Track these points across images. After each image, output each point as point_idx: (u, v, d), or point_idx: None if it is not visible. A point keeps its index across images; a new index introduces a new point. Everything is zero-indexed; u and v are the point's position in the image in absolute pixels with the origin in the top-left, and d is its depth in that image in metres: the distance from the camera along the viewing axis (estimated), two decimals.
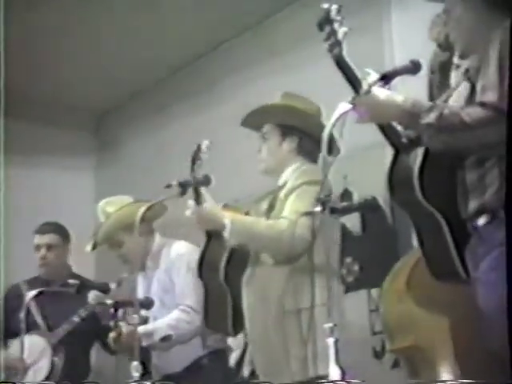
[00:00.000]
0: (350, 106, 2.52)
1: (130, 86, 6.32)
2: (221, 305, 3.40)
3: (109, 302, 3.73)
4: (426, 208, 2.44)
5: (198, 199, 3.32)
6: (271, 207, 3.45)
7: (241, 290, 3.39)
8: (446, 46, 2.67)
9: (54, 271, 4.89)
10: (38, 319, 4.72)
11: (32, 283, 4.81)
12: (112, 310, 3.69)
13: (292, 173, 3.47)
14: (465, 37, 2.52)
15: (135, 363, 3.36)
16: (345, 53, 2.46)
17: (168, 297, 4.09)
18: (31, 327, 4.59)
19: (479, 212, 2.39)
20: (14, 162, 5.88)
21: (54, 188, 6.44)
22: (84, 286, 4.24)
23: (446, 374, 3.05)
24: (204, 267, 3.47)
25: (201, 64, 5.92)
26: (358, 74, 2.48)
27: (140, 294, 4.09)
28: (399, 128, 2.53)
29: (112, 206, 4.24)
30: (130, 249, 4.14)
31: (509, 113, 2.19)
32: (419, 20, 4.52)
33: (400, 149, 2.53)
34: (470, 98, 2.42)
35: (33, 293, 4.10)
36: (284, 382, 3.17)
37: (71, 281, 4.21)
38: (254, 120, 3.61)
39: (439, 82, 2.57)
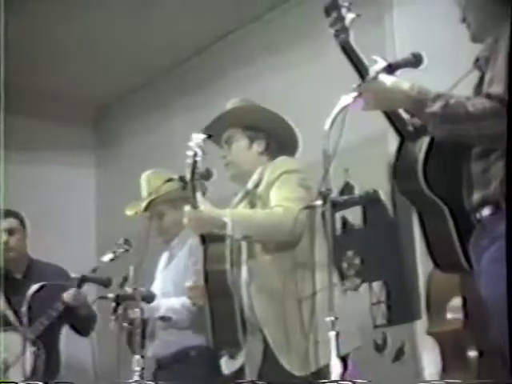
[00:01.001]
0: (351, 99, 2.52)
1: (131, 81, 6.31)
2: (228, 316, 3.35)
3: (110, 295, 3.74)
4: (430, 197, 2.44)
5: (194, 204, 3.28)
6: (252, 207, 3.44)
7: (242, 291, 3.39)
8: None
9: (16, 258, 4.74)
10: (9, 314, 4.60)
11: None
12: (113, 304, 3.70)
13: (261, 172, 3.47)
14: (479, 22, 2.52)
15: (137, 357, 3.37)
16: (352, 39, 2.44)
17: (180, 279, 4.09)
18: (4, 324, 4.53)
19: (483, 203, 2.38)
20: (14, 158, 5.88)
21: (54, 184, 6.43)
22: (85, 280, 4.23)
23: None
24: (209, 277, 3.40)
25: (203, 58, 5.92)
26: (365, 60, 2.46)
27: (161, 266, 4.23)
28: (405, 116, 2.52)
29: (159, 179, 4.20)
30: (169, 223, 4.16)
31: (509, 107, 2.19)
32: (421, 13, 4.54)
33: (406, 137, 2.52)
34: (479, 88, 2.42)
35: (35, 287, 4.09)
36: (302, 369, 3.18)
37: (73, 275, 4.21)
38: (217, 126, 3.58)
39: None
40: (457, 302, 3.46)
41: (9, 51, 4.93)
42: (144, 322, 3.85)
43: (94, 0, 5.23)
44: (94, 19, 5.45)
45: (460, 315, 3.44)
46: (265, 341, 3.34)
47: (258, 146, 3.56)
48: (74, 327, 4.72)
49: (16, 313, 4.55)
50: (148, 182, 4.22)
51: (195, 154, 3.24)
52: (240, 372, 3.52)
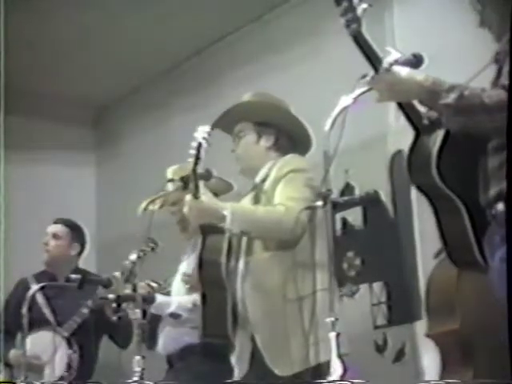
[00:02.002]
0: (351, 100, 2.51)
1: (131, 81, 6.31)
2: (220, 310, 3.35)
3: (111, 296, 3.73)
4: (444, 192, 2.39)
5: (196, 194, 3.27)
6: (257, 201, 3.43)
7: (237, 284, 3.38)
8: None
9: (57, 264, 4.90)
10: (47, 314, 4.73)
11: (39, 277, 4.85)
12: (115, 305, 3.70)
13: (270, 168, 3.45)
14: (501, 21, 2.49)
15: (137, 357, 3.37)
16: (364, 29, 2.41)
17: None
18: (40, 323, 4.62)
19: (498, 198, 2.35)
20: (15, 158, 5.87)
21: (54, 184, 6.43)
22: (86, 280, 4.23)
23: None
24: (203, 266, 3.42)
25: (202, 58, 5.92)
26: (378, 51, 2.43)
27: (187, 255, 4.17)
28: (421, 109, 2.49)
29: (184, 173, 4.17)
30: None
31: (509, 107, 2.18)
32: (422, 12, 4.54)
33: (421, 131, 2.49)
34: (497, 81, 2.40)
35: (36, 287, 4.11)
36: (286, 370, 3.18)
37: (73, 275, 4.22)
38: (228, 119, 3.57)
39: None
40: (456, 303, 3.43)
41: (9, 51, 4.93)
42: (154, 325, 3.87)
43: (95, 2, 5.23)
44: (93, 19, 5.45)
45: (458, 316, 3.41)
46: (253, 338, 3.33)
47: (266, 142, 3.53)
48: (112, 338, 4.81)
49: (54, 313, 4.73)
50: (174, 175, 4.20)
51: (199, 144, 3.24)
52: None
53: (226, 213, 3.24)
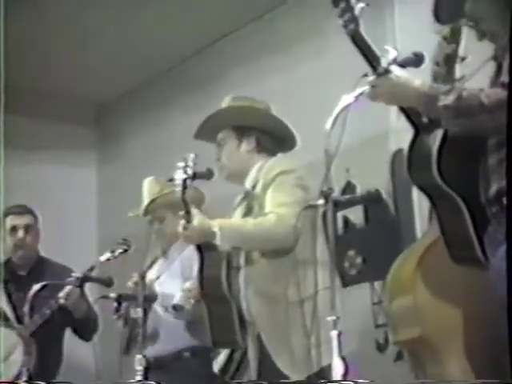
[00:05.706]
0: (353, 99, 2.52)
1: (131, 81, 6.31)
2: (226, 318, 3.36)
3: (112, 295, 3.74)
4: (444, 190, 2.41)
5: (188, 218, 3.30)
6: (249, 209, 3.43)
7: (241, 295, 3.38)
8: (451, 38, 2.66)
9: (28, 254, 4.65)
10: (7, 310, 4.52)
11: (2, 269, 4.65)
12: (115, 304, 3.70)
13: (259, 171, 3.45)
14: (497, 18, 2.47)
15: (139, 356, 3.37)
16: (362, 29, 2.41)
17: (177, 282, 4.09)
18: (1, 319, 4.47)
19: (498, 196, 2.37)
20: (15, 157, 5.87)
21: (55, 183, 6.43)
22: (86, 279, 4.23)
23: (453, 367, 3.01)
24: (204, 283, 3.43)
25: (202, 58, 5.92)
26: (376, 50, 2.44)
27: (160, 271, 4.19)
28: None
29: (160, 183, 4.20)
30: (168, 226, 4.13)
31: (509, 106, 2.18)
32: (422, 11, 4.53)
33: (420, 129, 2.50)
34: (496, 78, 2.40)
35: (37, 287, 4.09)
36: (297, 373, 3.18)
37: (74, 274, 4.20)
38: (208, 129, 3.58)
39: (444, 75, 2.54)
40: (410, 306, 3.13)
41: (9, 50, 4.93)
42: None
43: (95, 1, 5.23)
44: (94, 18, 5.45)
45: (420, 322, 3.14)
46: (260, 345, 3.34)
47: (247, 145, 3.53)
48: (75, 331, 4.66)
49: (15, 309, 4.50)
50: (149, 187, 4.22)
51: (186, 175, 3.26)
52: (226, 368, 3.52)
53: (215, 230, 3.25)
